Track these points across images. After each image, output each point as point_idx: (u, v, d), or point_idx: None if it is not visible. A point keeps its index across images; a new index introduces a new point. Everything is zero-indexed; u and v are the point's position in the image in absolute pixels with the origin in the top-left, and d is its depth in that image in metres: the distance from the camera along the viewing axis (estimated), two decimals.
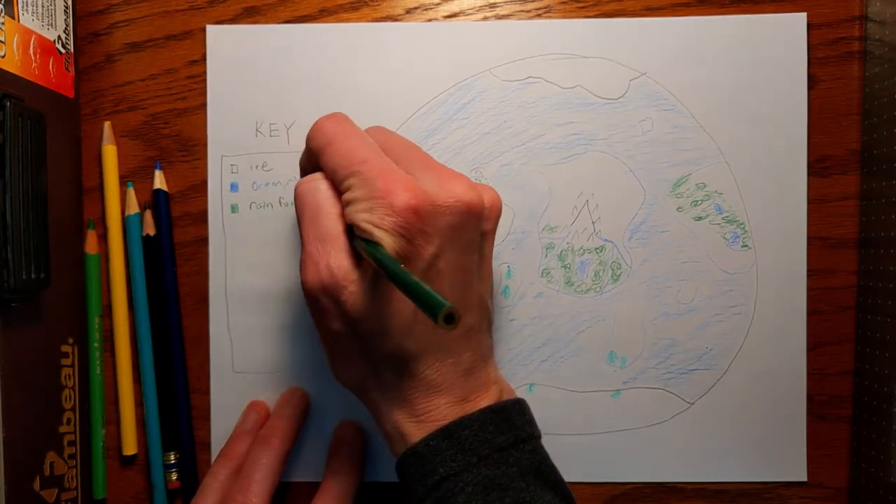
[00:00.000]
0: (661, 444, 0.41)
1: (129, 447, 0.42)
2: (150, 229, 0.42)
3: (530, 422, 0.35)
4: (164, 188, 0.42)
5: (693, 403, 0.41)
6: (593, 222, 0.41)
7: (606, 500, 0.42)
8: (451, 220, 0.32)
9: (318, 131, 0.35)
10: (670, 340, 0.41)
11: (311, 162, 0.36)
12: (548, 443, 0.41)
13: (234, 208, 0.42)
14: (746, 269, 0.41)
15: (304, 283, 0.33)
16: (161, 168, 0.42)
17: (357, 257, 0.33)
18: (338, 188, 0.34)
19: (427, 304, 0.26)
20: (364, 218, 0.32)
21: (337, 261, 0.32)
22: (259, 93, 0.42)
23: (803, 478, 0.41)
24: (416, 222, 0.31)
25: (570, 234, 0.41)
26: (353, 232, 0.33)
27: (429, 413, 0.34)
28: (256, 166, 0.42)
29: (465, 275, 0.34)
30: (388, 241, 0.31)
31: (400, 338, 0.33)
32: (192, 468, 0.42)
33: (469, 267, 0.34)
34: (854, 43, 0.41)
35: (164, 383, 0.42)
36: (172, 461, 0.42)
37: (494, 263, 0.41)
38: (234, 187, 0.42)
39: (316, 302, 0.33)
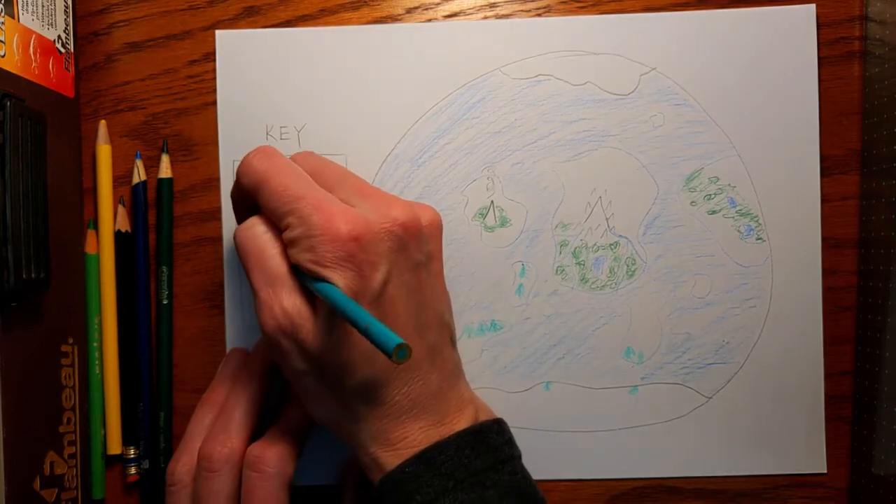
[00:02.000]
0: (679, 439, 0.41)
1: (115, 447, 0.41)
2: (122, 225, 0.41)
3: (509, 442, 0.35)
4: (144, 178, 0.41)
5: (711, 397, 0.41)
6: (607, 218, 0.41)
7: (608, 498, 0.41)
8: (393, 243, 0.32)
9: (248, 168, 0.35)
10: (687, 335, 0.41)
11: (243, 198, 0.36)
12: (565, 441, 0.41)
13: None
14: (761, 261, 0.41)
15: (262, 330, 0.33)
16: (141, 157, 0.41)
17: (309, 293, 0.33)
18: (277, 226, 0.34)
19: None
20: (307, 258, 0.32)
21: (289, 302, 0.32)
22: (269, 97, 0.41)
23: (822, 469, 0.41)
24: (358, 252, 0.31)
25: (584, 230, 0.41)
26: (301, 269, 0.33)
27: (404, 440, 0.33)
28: None
29: (419, 295, 0.34)
30: (335, 278, 0.31)
31: (363, 368, 0.32)
32: None
33: (421, 287, 0.34)
34: (854, 43, 0.41)
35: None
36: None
37: (508, 262, 0.41)
38: None
39: (277, 345, 0.33)
